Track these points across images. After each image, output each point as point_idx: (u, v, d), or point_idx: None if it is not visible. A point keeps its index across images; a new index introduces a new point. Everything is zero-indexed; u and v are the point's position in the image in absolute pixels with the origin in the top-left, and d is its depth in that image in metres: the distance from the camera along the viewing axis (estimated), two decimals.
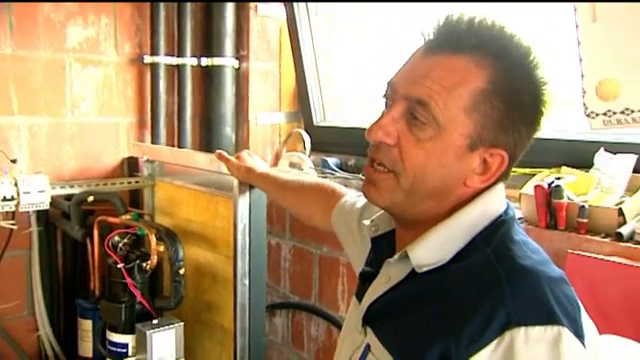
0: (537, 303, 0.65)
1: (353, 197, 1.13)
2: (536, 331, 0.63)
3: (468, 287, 0.69)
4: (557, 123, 1.43)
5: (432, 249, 0.74)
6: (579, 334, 0.65)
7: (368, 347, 0.78)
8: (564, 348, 0.62)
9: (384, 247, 0.85)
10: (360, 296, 0.84)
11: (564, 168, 1.32)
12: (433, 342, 0.67)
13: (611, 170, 1.24)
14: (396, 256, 0.78)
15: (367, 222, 0.89)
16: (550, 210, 1.21)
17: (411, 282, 0.76)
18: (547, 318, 0.63)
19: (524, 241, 0.73)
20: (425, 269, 0.74)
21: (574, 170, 1.30)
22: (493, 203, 0.76)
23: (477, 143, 0.71)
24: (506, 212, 0.77)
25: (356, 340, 0.81)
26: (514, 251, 0.70)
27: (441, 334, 0.67)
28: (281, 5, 2.07)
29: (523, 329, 0.63)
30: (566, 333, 0.63)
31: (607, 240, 1.13)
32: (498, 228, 0.74)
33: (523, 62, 0.72)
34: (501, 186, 0.78)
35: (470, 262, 0.71)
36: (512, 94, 0.71)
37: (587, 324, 0.68)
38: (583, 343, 0.64)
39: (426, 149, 0.71)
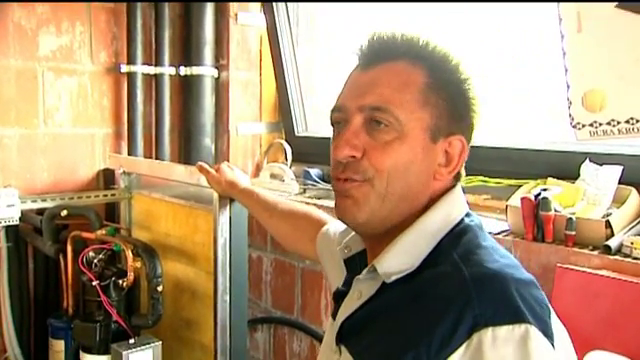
0: (504, 303, 0.65)
1: (336, 225, 1.11)
2: (503, 330, 0.62)
3: (436, 293, 0.69)
4: (543, 134, 1.43)
5: (398, 257, 0.75)
6: (547, 334, 0.64)
7: None
8: (532, 346, 0.62)
9: (357, 265, 0.86)
10: (335, 315, 0.84)
11: (550, 179, 1.31)
12: (404, 351, 0.67)
13: (598, 181, 1.23)
14: (364, 271, 0.79)
15: (339, 247, 0.91)
16: (537, 222, 1.20)
17: (382, 295, 0.76)
18: (514, 317, 0.63)
19: (492, 247, 0.74)
20: (394, 278, 0.74)
21: (560, 181, 1.29)
22: (454, 206, 0.78)
23: (437, 134, 0.76)
24: (469, 217, 0.79)
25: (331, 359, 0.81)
26: (481, 255, 0.71)
27: (412, 342, 0.67)
28: (261, 14, 2.04)
29: (490, 329, 0.62)
30: (534, 331, 0.63)
31: (595, 253, 1.12)
32: (464, 232, 0.75)
33: (446, 60, 0.79)
34: (459, 190, 0.81)
35: (438, 269, 0.72)
36: (449, 85, 0.77)
37: (557, 327, 0.68)
38: (552, 343, 0.64)
39: (394, 150, 0.74)
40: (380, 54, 0.78)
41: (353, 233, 0.87)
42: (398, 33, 0.79)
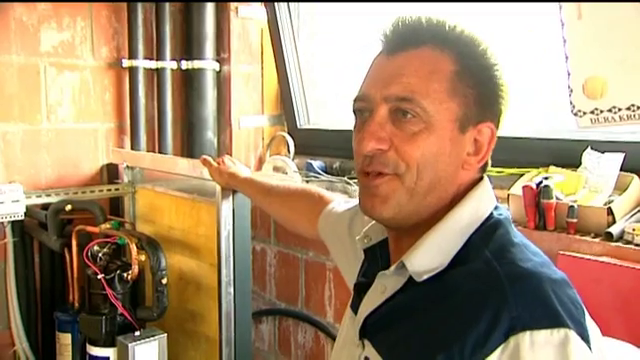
0: (541, 306, 0.62)
1: (340, 203, 1.10)
2: (542, 335, 0.60)
3: (469, 292, 0.66)
4: (544, 122, 1.42)
5: (429, 255, 0.72)
6: (585, 337, 0.62)
7: None
8: (572, 351, 0.60)
9: (378, 257, 0.83)
10: (355, 308, 0.81)
11: (552, 167, 1.31)
12: (435, 351, 0.65)
13: (599, 169, 1.23)
14: (392, 268, 0.75)
15: (358, 236, 0.87)
16: (539, 210, 1.20)
17: (408, 291, 0.73)
18: (553, 321, 0.61)
19: (524, 243, 0.71)
20: (425, 277, 0.71)
21: (562, 169, 1.29)
22: (482, 200, 0.75)
23: (466, 124, 0.73)
24: (498, 210, 0.76)
25: (354, 354, 0.78)
26: (514, 254, 0.68)
27: (443, 343, 0.64)
28: (262, 7, 2.04)
29: (528, 333, 0.60)
30: (573, 336, 0.61)
31: (597, 240, 1.12)
32: (495, 228, 0.72)
33: (474, 45, 0.75)
34: (487, 182, 0.78)
35: (470, 266, 0.69)
36: (477, 71, 0.74)
37: (592, 327, 0.66)
38: (589, 347, 0.62)
39: (422, 141, 0.71)
40: (406, 40, 0.74)
41: (373, 222, 0.84)
42: (424, 17, 0.75)
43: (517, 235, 0.73)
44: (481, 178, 0.77)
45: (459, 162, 0.74)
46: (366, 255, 0.86)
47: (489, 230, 0.72)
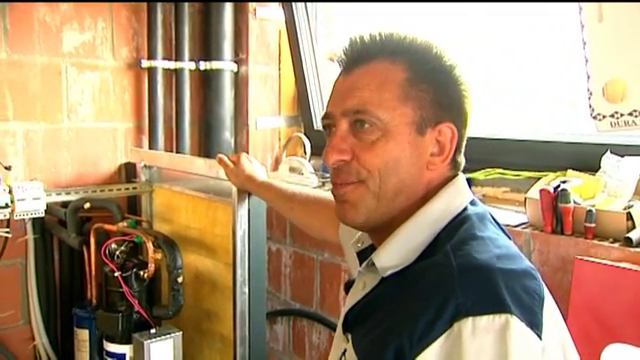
0: (486, 294, 0.64)
1: None
2: (484, 320, 0.62)
3: (425, 283, 0.70)
4: (562, 125, 1.41)
5: (395, 252, 0.76)
6: (534, 324, 0.63)
7: (344, 353, 0.80)
8: (511, 336, 0.61)
9: (367, 258, 0.86)
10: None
11: (570, 171, 1.30)
12: (389, 340, 0.67)
13: (619, 173, 1.21)
14: (363, 265, 0.81)
15: (352, 240, 0.94)
16: (556, 215, 1.18)
17: (380, 286, 0.78)
18: (495, 307, 0.63)
19: (490, 237, 0.73)
20: (389, 272, 0.76)
21: (580, 173, 1.27)
22: (454, 197, 0.78)
23: (423, 125, 0.77)
24: (473, 206, 0.79)
25: (340, 346, 0.83)
26: (473, 246, 0.70)
27: (397, 332, 0.67)
28: (280, 8, 2.05)
29: (471, 319, 0.62)
30: (515, 321, 0.62)
31: (616, 245, 1.10)
32: (462, 223, 0.75)
33: (428, 51, 0.79)
34: (461, 179, 0.81)
35: (431, 260, 0.72)
36: (431, 74, 0.78)
37: (550, 318, 0.67)
38: (538, 334, 0.63)
39: (381, 148, 0.76)
40: (359, 56, 0.79)
41: None
42: (376, 32, 0.80)
43: (485, 229, 0.75)
44: (454, 175, 0.81)
45: (422, 163, 0.78)
46: (359, 258, 0.91)
47: (456, 225, 0.75)
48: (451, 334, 0.62)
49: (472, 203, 0.79)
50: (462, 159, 0.82)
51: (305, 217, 1.30)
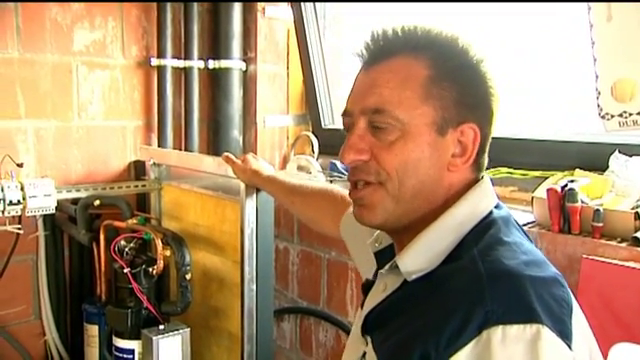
0: (517, 302, 0.63)
1: None
2: (514, 330, 0.60)
3: (449, 288, 0.68)
4: (570, 125, 1.40)
5: (420, 255, 0.74)
6: (564, 334, 0.62)
7: (364, 355, 0.78)
8: (543, 347, 0.59)
9: (387, 259, 0.84)
10: (362, 306, 0.84)
11: (578, 171, 1.29)
12: (414, 346, 0.66)
13: (627, 173, 1.21)
14: (387, 267, 0.78)
15: (369, 240, 0.90)
16: (563, 214, 1.18)
17: (403, 289, 0.76)
18: (526, 316, 0.61)
19: (516, 242, 0.72)
20: (414, 276, 0.74)
21: (588, 173, 1.27)
22: (480, 200, 0.76)
23: (444, 126, 0.73)
24: (498, 209, 0.76)
25: (358, 349, 0.81)
26: (500, 252, 0.69)
27: (422, 337, 0.65)
28: (288, 7, 2.05)
29: (500, 327, 0.61)
30: (546, 332, 0.60)
31: (623, 245, 1.10)
32: (488, 227, 0.73)
33: (453, 46, 0.76)
34: (487, 182, 0.78)
35: (456, 264, 0.70)
36: (455, 71, 0.74)
37: (579, 327, 0.66)
38: (568, 344, 0.62)
39: (400, 149, 0.73)
40: (380, 52, 0.76)
41: None
42: (399, 26, 0.76)
43: (510, 234, 0.73)
44: (479, 178, 0.78)
45: (443, 164, 0.75)
46: (377, 258, 0.88)
47: (482, 229, 0.73)
48: (479, 342, 0.61)
49: (496, 206, 0.77)
50: (485, 160, 0.79)
51: (305, 211, 1.30)
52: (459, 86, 0.74)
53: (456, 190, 0.76)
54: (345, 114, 0.79)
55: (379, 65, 0.76)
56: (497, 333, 0.60)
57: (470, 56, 0.75)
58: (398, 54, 0.75)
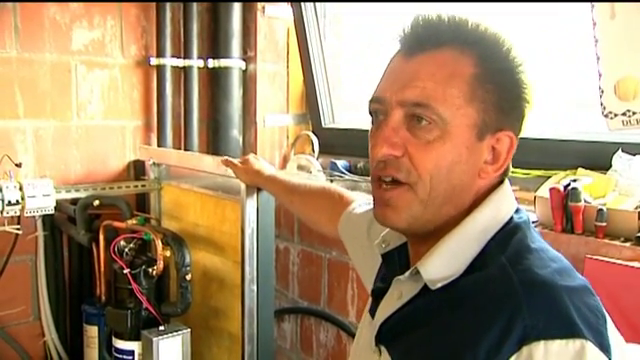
0: (556, 315, 0.60)
1: (361, 204, 1.09)
2: (556, 345, 0.58)
3: (483, 300, 0.65)
4: (573, 124, 1.40)
5: (444, 262, 0.70)
6: (604, 347, 0.60)
7: None
8: None
9: (396, 262, 0.82)
10: (373, 313, 0.81)
11: (580, 170, 1.29)
12: (448, 359, 0.64)
13: (630, 172, 1.20)
14: (407, 274, 0.73)
15: (377, 240, 0.86)
16: (566, 213, 1.17)
17: (424, 297, 0.72)
18: (568, 331, 0.59)
19: (542, 248, 0.69)
20: (439, 285, 0.69)
21: (591, 172, 1.26)
22: (502, 204, 0.73)
23: (484, 131, 0.70)
24: (518, 214, 0.73)
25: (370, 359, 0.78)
26: (531, 260, 0.66)
27: (456, 350, 0.63)
28: (288, 6, 2.04)
29: (542, 343, 0.58)
30: (590, 347, 0.59)
31: (627, 245, 1.09)
32: (512, 233, 0.70)
33: (498, 45, 0.72)
34: (507, 185, 0.75)
35: (485, 273, 0.67)
36: (499, 74, 0.71)
37: (614, 336, 0.64)
38: (609, 357, 0.60)
39: (437, 150, 0.68)
40: (424, 41, 0.70)
41: None
42: (444, 15, 0.71)
43: (536, 239, 0.71)
44: (501, 182, 0.75)
45: (475, 170, 0.71)
46: (384, 260, 0.84)
47: (507, 235, 0.70)
48: (520, 358, 0.59)
49: (516, 210, 0.74)
50: (510, 166, 0.75)
51: (303, 210, 1.29)
52: (500, 90, 0.70)
53: (482, 195, 0.73)
54: (377, 101, 0.73)
55: (423, 54, 0.70)
56: (539, 349, 0.58)
57: (512, 58, 0.72)
58: (445, 45, 0.70)
